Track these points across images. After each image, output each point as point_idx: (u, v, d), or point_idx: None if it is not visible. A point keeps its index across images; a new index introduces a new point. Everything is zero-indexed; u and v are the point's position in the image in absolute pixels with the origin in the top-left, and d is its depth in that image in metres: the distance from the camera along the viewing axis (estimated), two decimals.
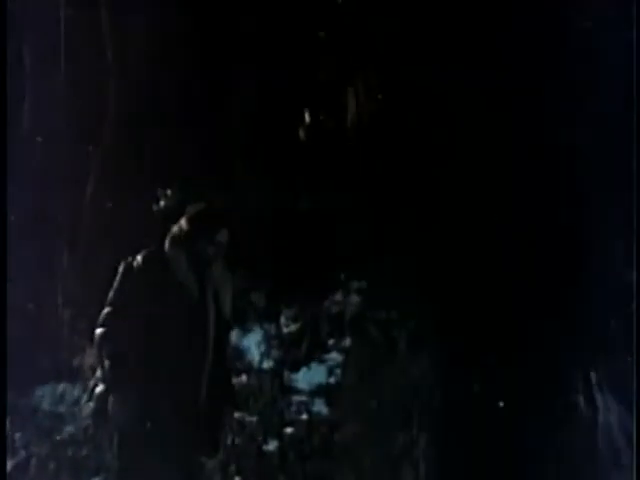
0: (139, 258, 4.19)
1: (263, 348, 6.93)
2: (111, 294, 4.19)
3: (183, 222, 4.27)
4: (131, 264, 4.18)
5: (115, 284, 4.19)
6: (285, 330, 7.03)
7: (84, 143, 7.54)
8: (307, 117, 7.59)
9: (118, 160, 7.45)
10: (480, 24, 5.96)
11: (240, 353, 6.82)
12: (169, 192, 4.41)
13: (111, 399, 4.13)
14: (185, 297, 4.17)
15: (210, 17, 7.42)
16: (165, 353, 4.07)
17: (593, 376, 5.68)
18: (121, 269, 4.20)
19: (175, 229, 4.28)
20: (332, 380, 6.67)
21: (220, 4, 7.44)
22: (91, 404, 5.72)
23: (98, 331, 4.13)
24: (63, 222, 7.35)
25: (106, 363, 4.07)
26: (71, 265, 7.27)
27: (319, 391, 6.60)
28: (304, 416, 6.47)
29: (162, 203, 4.41)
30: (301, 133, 7.61)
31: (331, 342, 6.88)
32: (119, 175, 7.38)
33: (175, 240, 4.25)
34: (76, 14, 7.50)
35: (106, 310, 4.16)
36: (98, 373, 4.21)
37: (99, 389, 4.22)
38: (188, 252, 4.21)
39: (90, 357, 6.33)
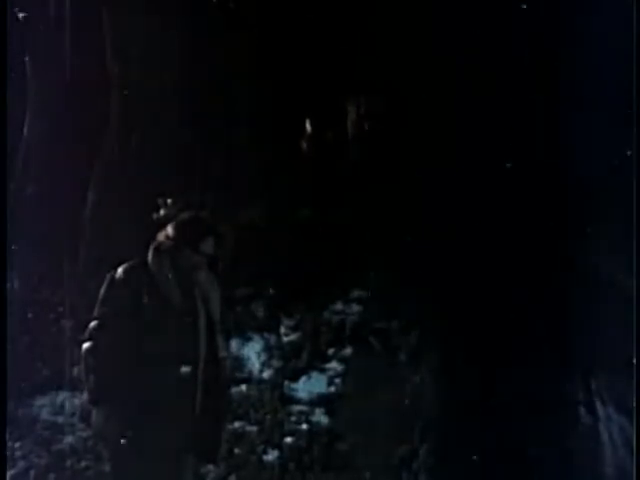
0: (122, 269, 4.11)
1: (263, 358, 6.91)
2: (97, 307, 4.11)
3: (169, 230, 4.22)
4: (114, 275, 4.10)
5: (100, 297, 4.11)
6: (285, 340, 7.01)
7: (85, 152, 7.56)
8: (309, 128, 7.60)
9: (119, 171, 7.47)
10: (479, 32, 5.99)
11: (240, 363, 6.81)
12: (169, 201, 4.37)
13: (99, 413, 4.08)
14: (172, 305, 4.08)
15: (212, 30, 7.45)
16: (156, 363, 3.98)
17: (593, 385, 5.69)
18: (106, 281, 4.11)
19: (160, 237, 4.22)
20: (332, 390, 6.65)
21: (222, 17, 7.46)
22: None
23: (85, 345, 4.04)
24: (64, 232, 7.35)
25: (92, 377, 3.99)
26: (72, 275, 7.26)
27: (319, 401, 6.58)
28: (304, 426, 6.45)
29: (162, 212, 4.37)
30: (302, 144, 7.62)
31: (331, 352, 6.86)
32: (120, 186, 7.40)
33: (160, 248, 4.18)
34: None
35: (92, 324, 4.07)
36: (86, 387, 4.12)
37: (86, 402, 4.16)
38: (172, 260, 4.13)
39: None
